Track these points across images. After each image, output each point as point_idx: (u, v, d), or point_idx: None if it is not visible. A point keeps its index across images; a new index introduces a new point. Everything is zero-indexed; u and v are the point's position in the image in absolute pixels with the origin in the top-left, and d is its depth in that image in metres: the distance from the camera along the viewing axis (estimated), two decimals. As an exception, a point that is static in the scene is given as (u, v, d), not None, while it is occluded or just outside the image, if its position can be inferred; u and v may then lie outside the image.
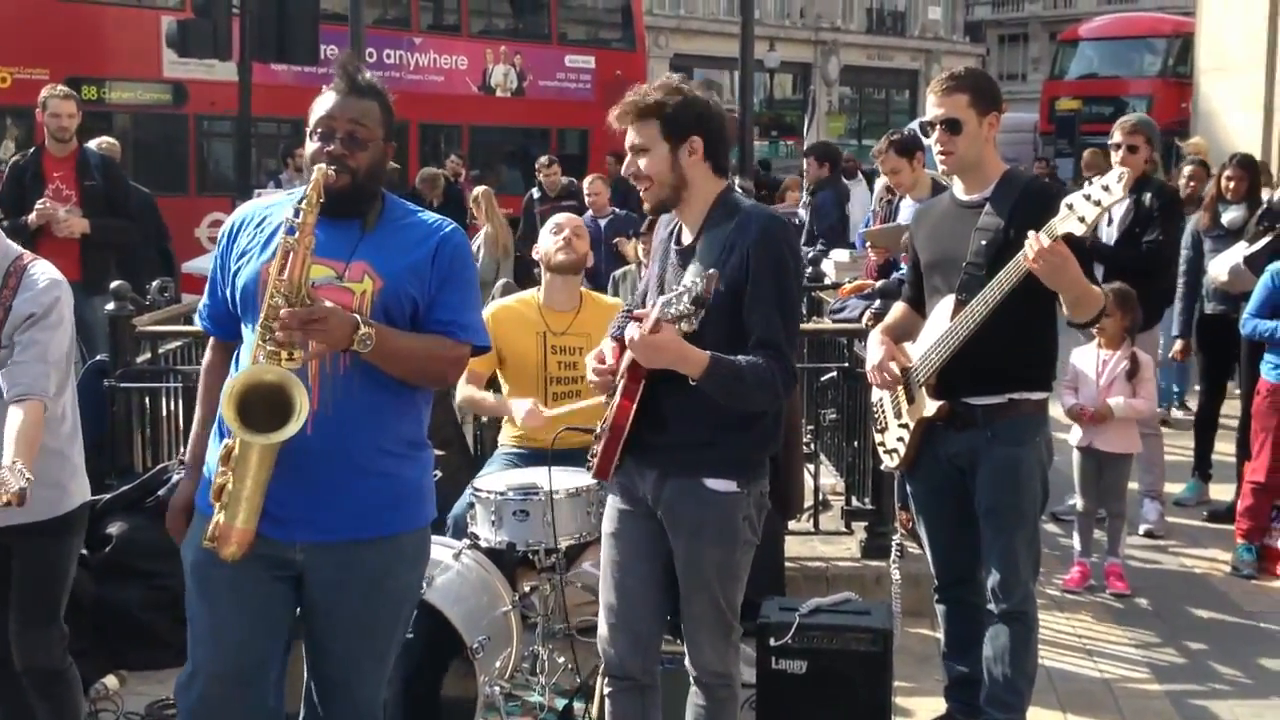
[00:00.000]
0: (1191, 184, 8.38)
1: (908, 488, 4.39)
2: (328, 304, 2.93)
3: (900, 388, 4.15)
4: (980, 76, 4.18)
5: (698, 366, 3.22)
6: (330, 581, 3.09)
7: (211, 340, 3.37)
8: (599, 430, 3.56)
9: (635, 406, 3.38)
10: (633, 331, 3.22)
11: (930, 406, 4.05)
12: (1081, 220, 3.62)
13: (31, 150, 7.73)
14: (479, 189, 11.48)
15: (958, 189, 4.16)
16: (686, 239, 3.50)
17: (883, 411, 4.31)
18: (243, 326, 3.14)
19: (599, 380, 3.51)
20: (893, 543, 5.01)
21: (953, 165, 4.08)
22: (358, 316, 2.94)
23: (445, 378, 3.37)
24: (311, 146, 3.08)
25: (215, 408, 3.20)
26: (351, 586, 3.10)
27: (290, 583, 3.12)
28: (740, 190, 3.70)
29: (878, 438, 4.41)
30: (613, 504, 3.60)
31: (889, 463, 4.35)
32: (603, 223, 10.30)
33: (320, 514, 3.04)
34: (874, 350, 4.24)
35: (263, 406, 2.86)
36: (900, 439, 4.22)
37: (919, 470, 4.23)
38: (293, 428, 2.83)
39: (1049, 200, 3.81)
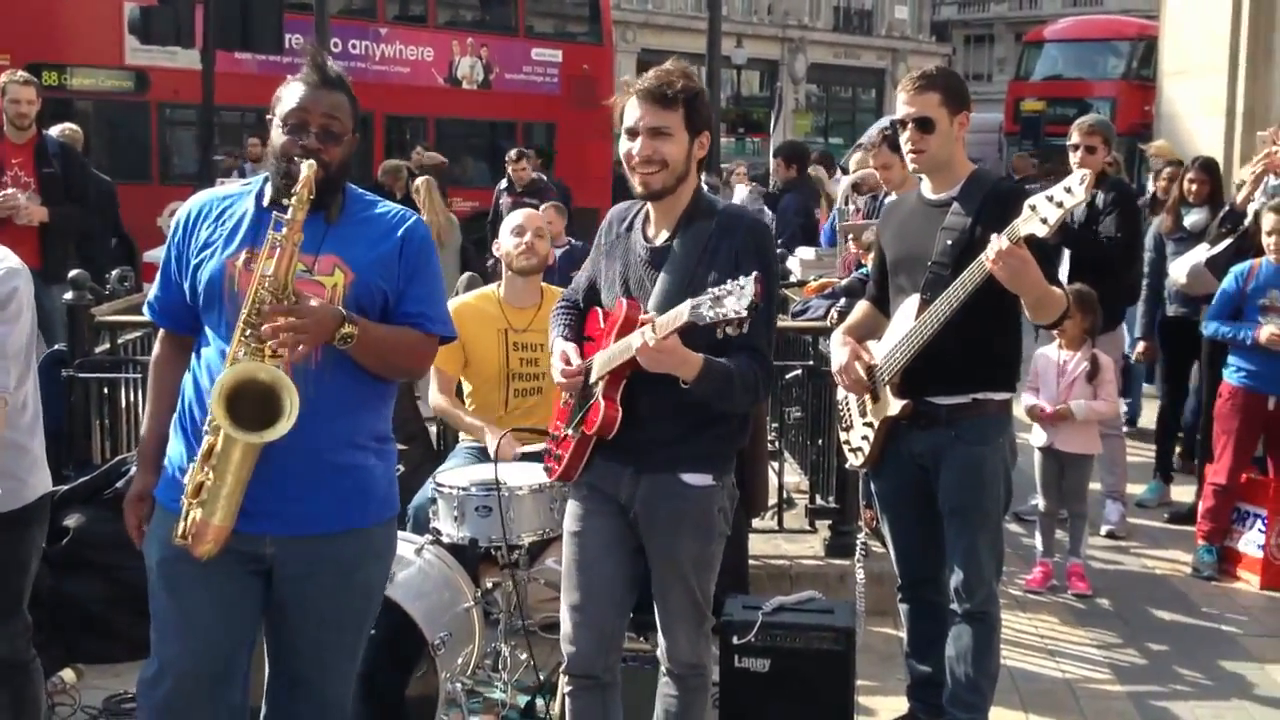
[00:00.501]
0: (1166, 185, 8.31)
1: (872, 486, 4.39)
2: (313, 302, 2.91)
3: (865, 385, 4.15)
4: (951, 76, 4.18)
5: (693, 369, 3.20)
6: (300, 575, 3.07)
7: (161, 333, 3.31)
8: (565, 432, 3.52)
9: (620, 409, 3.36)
10: (646, 337, 3.16)
11: (894, 405, 4.05)
12: (1044, 222, 3.62)
13: None
14: (421, 179, 11.26)
15: (925, 188, 4.16)
16: (657, 237, 3.46)
17: (848, 410, 4.31)
18: (204, 321, 3.09)
19: (569, 383, 3.46)
20: (857, 541, 5.02)
21: (923, 164, 4.08)
22: (343, 313, 2.92)
23: (416, 370, 3.36)
24: (281, 138, 3.03)
25: (169, 402, 3.17)
26: (321, 580, 3.08)
27: (259, 577, 3.09)
28: (706, 186, 3.67)
29: (842, 436, 4.41)
30: (576, 503, 3.57)
31: (854, 461, 4.35)
32: (558, 253, 9.14)
33: (291, 507, 3.01)
34: (838, 351, 4.25)
35: (249, 404, 2.83)
36: (865, 438, 4.21)
37: (883, 469, 4.23)
38: (282, 428, 2.81)
39: (1015, 201, 3.80)
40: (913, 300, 4.01)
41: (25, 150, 7.43)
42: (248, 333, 2.88)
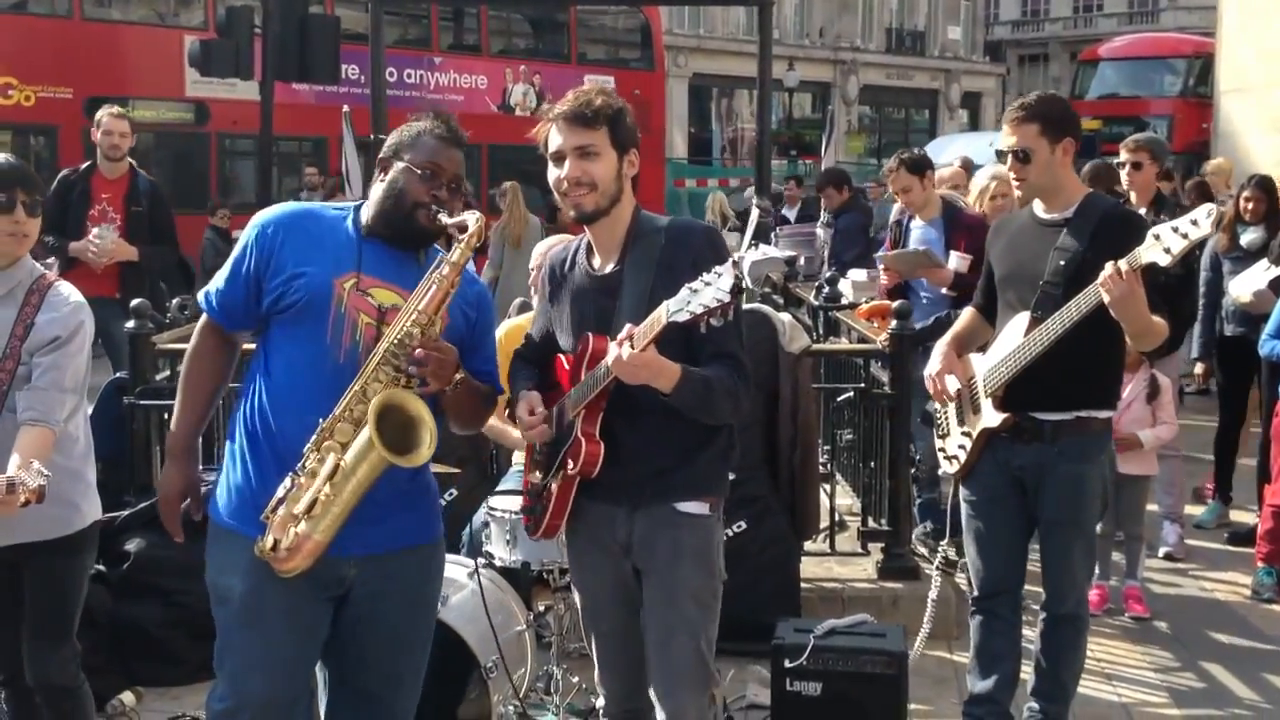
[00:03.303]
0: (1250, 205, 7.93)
1: (961, 493, 4.38)
2: (450, 345, 3.04)
3: (966, 396, 4.23)
4: (1053, 104, 4.18)
5: (672, 379, 3.05)
6: (375, 593, 3.14)
7: (204, 324, 3.24)
8: (545, 483, 3.34)
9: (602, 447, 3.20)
10: (623, 351, 3.00)
11: (995, 418, 4.11)
12: (1167, 251, 3.64)
13: (84, 166, 7.64)
14: (508, 182, 11.61)
15: (1038, 207, 4.21)
16: (605, 265, 3.31)
17: (945, 418, 4.36)
18: (283, 328, 3.08)
19: (535, 433, 3.28)
20: (939, 553, 4.90)
21: (1025, 193, 4.17)
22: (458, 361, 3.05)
23: (480, 423, 3.43)
24: (414, 181, 3.10)
25: (207, 393, 3.21)
26: (394, 597, 3.17)
27: (333, 603, 3.15)
28: (759, 210, 3.66)
29: (938, 443, 4.46)
30: (576, 553, 3.45)
31: (948, 469, 4.41)
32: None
33: (371, 528, 3.07)
34: (935, 360, 4.32)
35: (392, 429, 2.91)
36: (961, 446, 4.27)
37: (976, 477, 4.27)
38: (423, 455, 2.92)
39: (1131, 227, 3.89)
40: (1022, 317, 4.07)
41: (116, 186, 7.55)
42: (391, 361, 2.95)
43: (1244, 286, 6.99)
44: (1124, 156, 6.67)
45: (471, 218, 3.02)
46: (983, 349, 4.29)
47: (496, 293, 10.15)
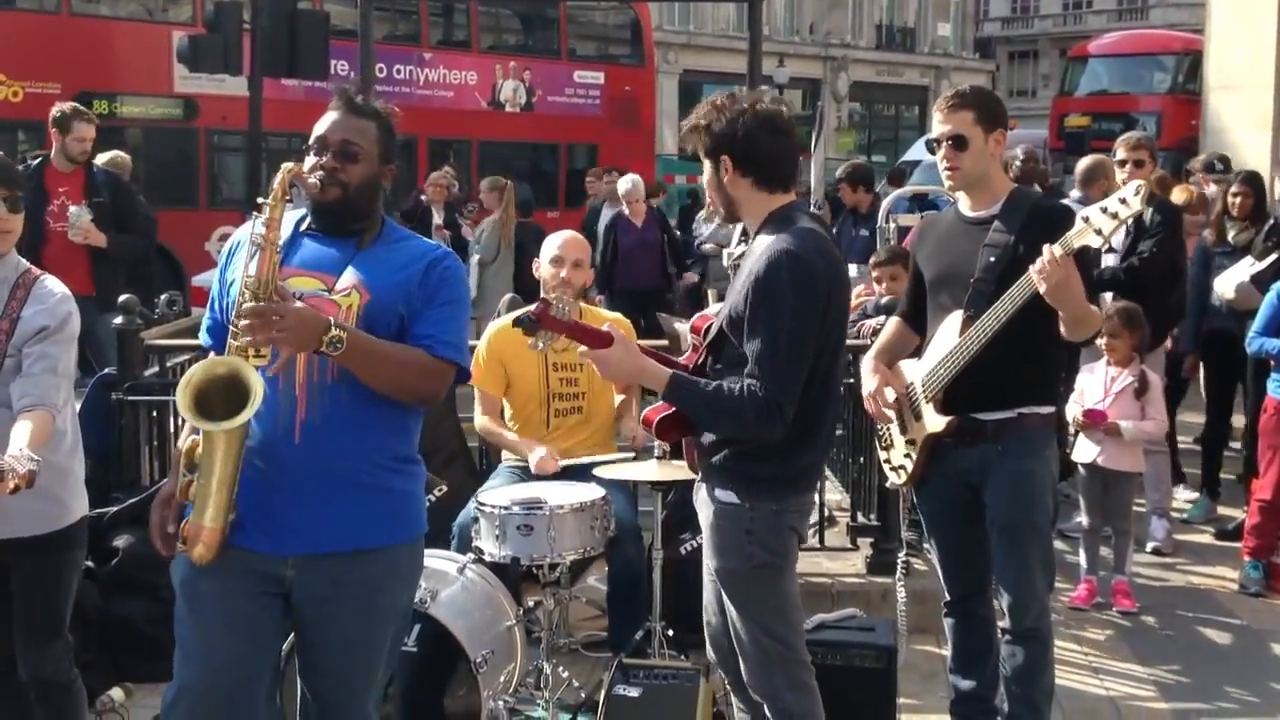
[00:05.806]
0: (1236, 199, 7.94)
1: (918, 503, 4.38)
2: (296, 304, 2.90)
3: (905, 405, 4.16)
4: (985, 94, 4.19)
5: (659, 382, 3.38)
6: (321, 596, 3.05)
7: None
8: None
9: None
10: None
11: (938, 423, 4.05)
12: (1098, 233, 3.65)
13: (35, 161, 7.58)
14: (503, 181, 11.66)
15: (963, 205, 4.17)
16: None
17: (888, 429, 4.31)
18: None
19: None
20: (898, 559, 5.02)
21: (958, 181, 4.09)
22: (330, 320, 2.89)
23: (426, 394, 3.13)
24: (308, 161, 3.11)
25: None
26: (343, 602, 3.06)
27: (280, 599, 3.08)
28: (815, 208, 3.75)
29: (882, 455, 4.40)
30: None
31: (895, 480, 4.34)
32: None
33: (311, 525, 3.02)
34: (867, 379, 4.26)
35: (222, 400, 2.85)
36: (907, 455, 4.21)
37: (929, 487, 4.23)
38: (248, 412, 2.81)
39: (1059, 217, 3.86)
40: (955, 317, 4.01)
41: (73, 179, 7.50)
42: (234, 333, 2.91)
43: (1228, 283, 7.01)
44: (1124, 154, 6.69)
45: (281, 169, 2.99)
46: (915, 355, 4.24)
47: (480, 286, 10.25)
